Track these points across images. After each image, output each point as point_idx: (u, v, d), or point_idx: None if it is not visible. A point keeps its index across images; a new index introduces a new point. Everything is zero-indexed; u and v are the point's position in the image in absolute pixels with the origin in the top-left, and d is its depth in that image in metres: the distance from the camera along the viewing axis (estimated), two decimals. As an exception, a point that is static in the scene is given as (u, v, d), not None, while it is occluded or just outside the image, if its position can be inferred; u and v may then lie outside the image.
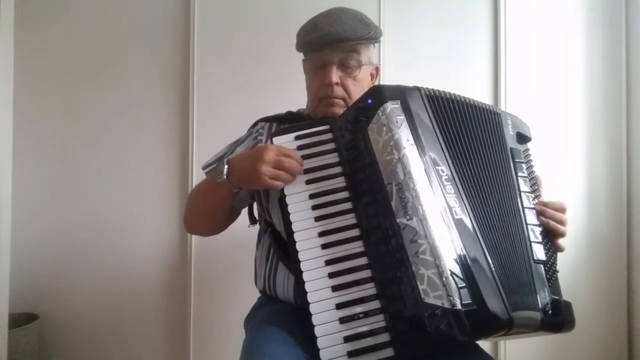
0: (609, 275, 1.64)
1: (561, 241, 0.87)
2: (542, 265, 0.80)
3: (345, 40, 0.92)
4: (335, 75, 0.94)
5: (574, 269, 1.59)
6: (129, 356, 1.61)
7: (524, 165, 0.88)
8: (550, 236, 0.85)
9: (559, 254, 0.87)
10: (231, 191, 0.90)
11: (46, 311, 1.59)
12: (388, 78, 1.59)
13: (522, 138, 0.93)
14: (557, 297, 0.79)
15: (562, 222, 0.86)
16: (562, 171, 1.62)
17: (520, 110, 1.61)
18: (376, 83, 1.06)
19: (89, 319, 1.61)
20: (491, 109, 0.90)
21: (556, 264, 0.84)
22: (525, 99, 1.63)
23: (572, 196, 1.63)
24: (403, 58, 1.62)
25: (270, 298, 1.00)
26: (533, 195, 0.86)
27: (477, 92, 1.62)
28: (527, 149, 0.93)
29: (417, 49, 1.63)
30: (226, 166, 0.85)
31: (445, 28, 1.63)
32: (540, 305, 0.76)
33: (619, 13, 1.66)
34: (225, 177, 0.85)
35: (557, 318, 0.78)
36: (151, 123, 1.62)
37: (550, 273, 0.81)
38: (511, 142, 0.89)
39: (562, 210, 0.87)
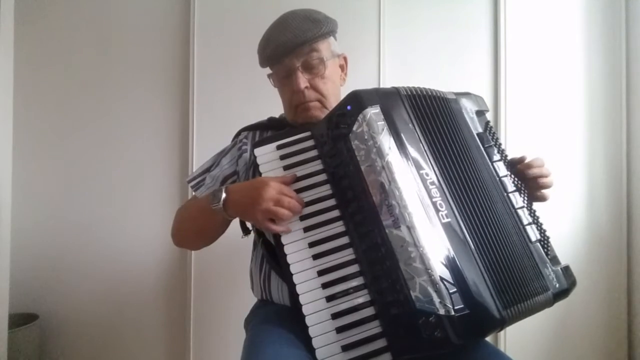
0: (609, 275, 1.63)
1: (546, 191, 0.89)
2: (538, 244, 0.81)
3: (299, 45, 0.92)
4: (303, 80, 0.94)
5: (574, 268, 1.57)
6: (128, 356, 1.62)
7: (495, 149, 0.86)
8: (536, 190, 0.87)
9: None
10: (226, 219, 0.89)
11: (46, 311, 1.59)
12: (388, 76, 1.59)
13: (481, 113, 0.91)
14: (557, 268, 0.81)
15: (546, 175, 0.88)
16: (562, 171, 1.62)
17: (520, 110, 1.63)
18: (347, 71, 1.04)
19: (89, 319, 1.61)
20: (448, 96, 0.86)
21: (542, 223, 0.84)
22: (525, 97, 1.62)
23: (572, 196, 1.63)
24: (403, 56, 1.61)
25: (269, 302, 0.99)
26: (509, 173, 0.85)
27: (477, 90, 1.61)
28: (488, 122, 0.91)
29: (417, 47, 1.62)
30: (224, 194, 0.83)
31: (446, 26, 1.63)
32: (548, 285, 0.78)
33: (619, 12, 1.65)
34: (221, 205, 0.82)
35: (564, 287, 0.80)
36: (151, 124, 1.62)
37: (545, 245, 0.82)
38: (473, 125, 0.87)
39: (542, 164, 0.89)
